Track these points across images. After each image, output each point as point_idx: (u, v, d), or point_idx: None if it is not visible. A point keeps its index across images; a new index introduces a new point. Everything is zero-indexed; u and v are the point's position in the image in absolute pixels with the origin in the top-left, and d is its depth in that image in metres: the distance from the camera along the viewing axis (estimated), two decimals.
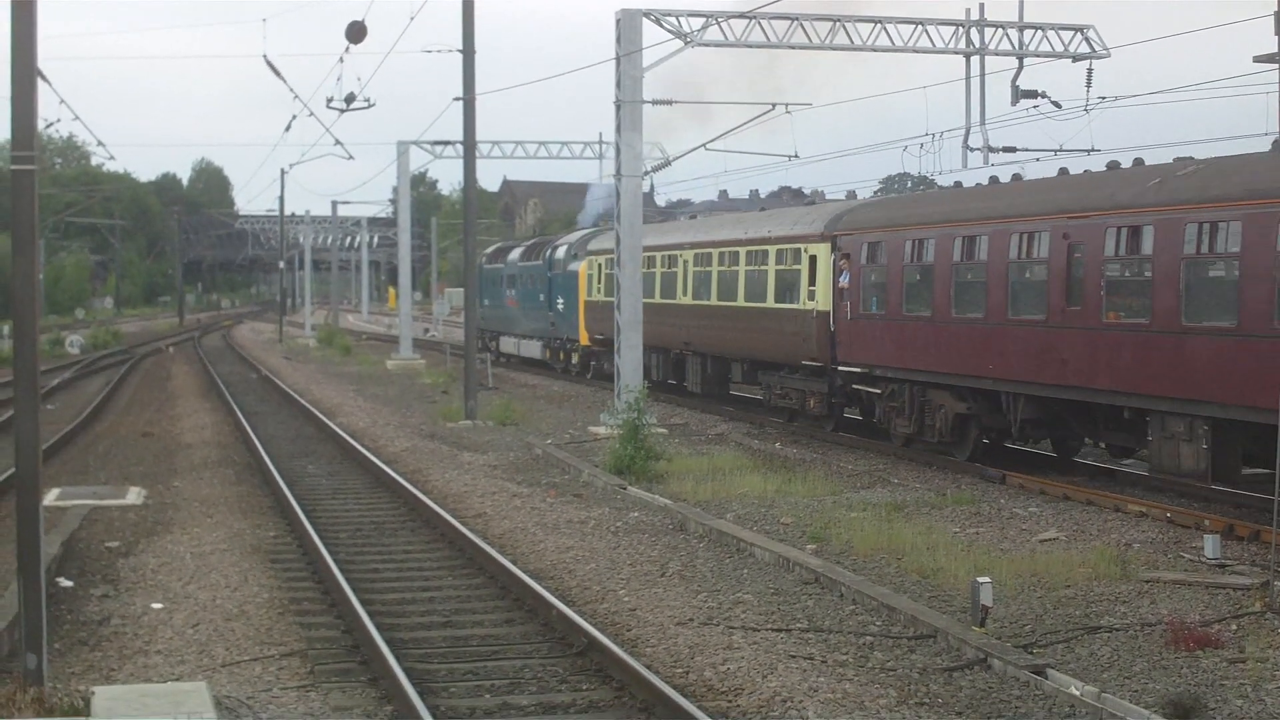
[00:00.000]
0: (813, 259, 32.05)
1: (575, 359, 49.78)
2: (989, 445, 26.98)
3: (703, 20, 31.39)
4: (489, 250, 63.30)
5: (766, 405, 35.47)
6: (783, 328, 33.29)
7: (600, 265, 45.26)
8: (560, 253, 51.26)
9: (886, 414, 29.21)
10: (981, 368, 25.48)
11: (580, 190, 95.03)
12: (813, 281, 31.98)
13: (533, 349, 54.49)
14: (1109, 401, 22.76)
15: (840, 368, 30.40)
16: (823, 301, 31.25)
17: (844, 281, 30.27)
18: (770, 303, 34.08)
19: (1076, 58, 32.84)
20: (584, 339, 47.94)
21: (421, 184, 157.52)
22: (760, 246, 34.96)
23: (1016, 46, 32.64)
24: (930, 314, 27.07)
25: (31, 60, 12.61)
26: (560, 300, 50.37)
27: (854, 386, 30.33)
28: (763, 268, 34.66)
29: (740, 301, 35.78)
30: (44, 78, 35.20)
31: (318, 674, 13.77)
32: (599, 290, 45.31)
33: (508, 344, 58.13)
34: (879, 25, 31.99)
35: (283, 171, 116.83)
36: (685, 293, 39.65)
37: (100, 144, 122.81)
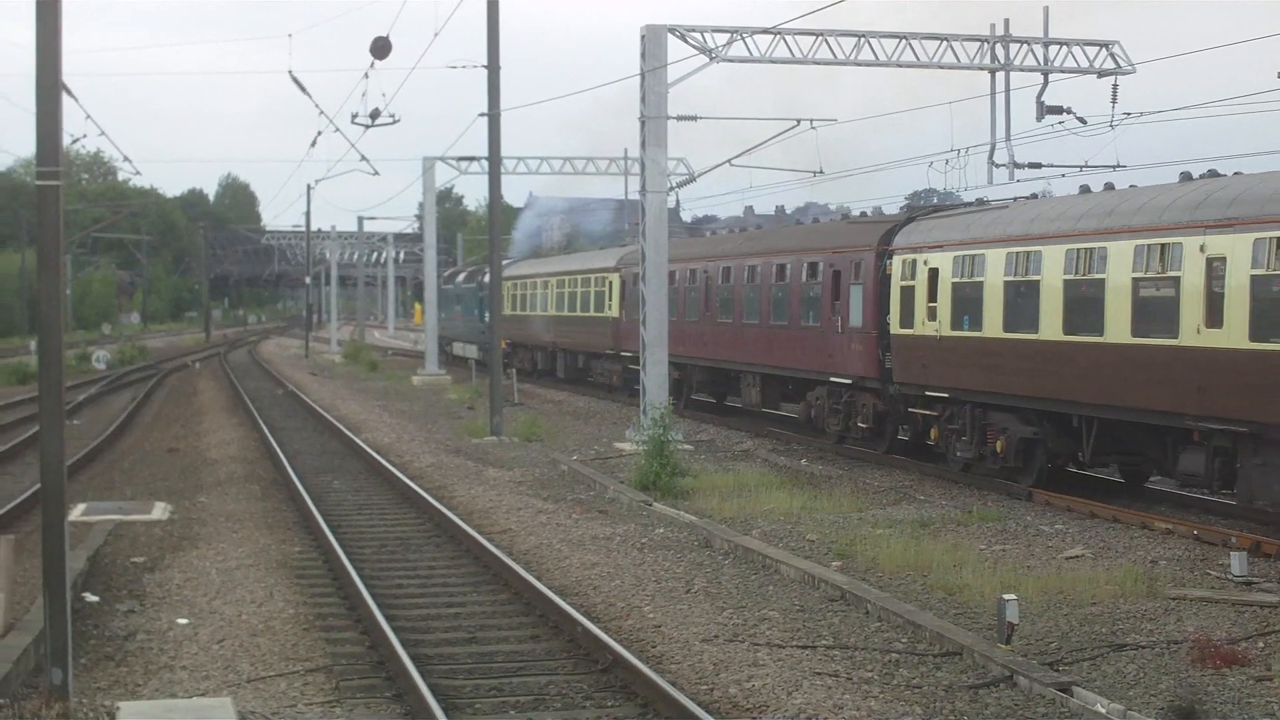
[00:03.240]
0: (610, 283, 48.74)
1: None
2: (704, 402, 42.84)
3: (727, 36, 31.37)
4: (446, 273, 77.66)
5: (591, 383, 52.15)
6: (596, 329, 50.35)
7: (509, 287, 61.19)
8: (487, 277, 65.06)
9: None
10: (676, 350, 36.81)
11: (608, 206, 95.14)
12: (610, 298, 48.55)
13: (471, 351, 67.53)
14: (727, 368, 38.56)
15: (622, 354, 46.45)
16: (615, 311, 47.76)
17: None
18: (592, 312, 50.85)
19: (1102, 73, 32.63)
20: (501, 344, 59.23)
21: (447, 199, 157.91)
22: (586, 274, 51.76)
23: (1042, 62, 32.49)
24: None
25: (57, 75, 12.67)
26: (487, 314, 64.20)
27: (630, 366, 44.32)
28: (587, 289, 51.32)
29: (578, 312, 52.27)
30: (70, 93, 35.38)
31: (342, 690, 13.77)
32: (508, 306, 61.34)
33: (458, 348, 72.71)
34: (903, 40, 31.91)
35: (309, 187, 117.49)
36: (550, 307, 56.58)
37: (126, 159, 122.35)
